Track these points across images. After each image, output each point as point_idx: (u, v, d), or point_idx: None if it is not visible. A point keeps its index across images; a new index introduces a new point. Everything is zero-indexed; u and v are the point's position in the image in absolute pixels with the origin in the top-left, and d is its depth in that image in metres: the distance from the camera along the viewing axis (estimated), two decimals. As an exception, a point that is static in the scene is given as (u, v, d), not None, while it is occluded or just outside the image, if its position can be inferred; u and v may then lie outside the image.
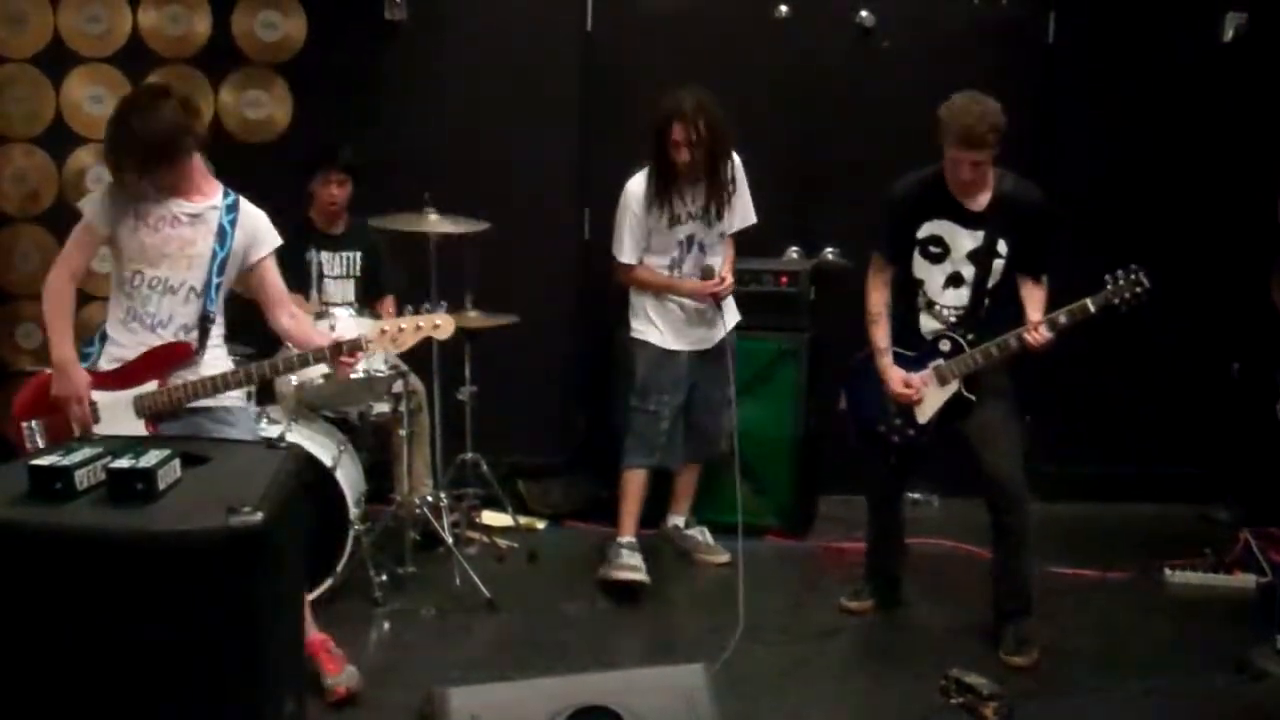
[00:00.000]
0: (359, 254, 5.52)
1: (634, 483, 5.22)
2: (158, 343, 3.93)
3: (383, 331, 4.06)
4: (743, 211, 5.21)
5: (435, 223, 5.18)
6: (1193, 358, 6.18)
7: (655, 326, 5.18)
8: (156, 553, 2.45)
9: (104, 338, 4.02)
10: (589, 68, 6.20)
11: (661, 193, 5.03)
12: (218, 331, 4.05)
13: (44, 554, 2.45)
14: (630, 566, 5.06)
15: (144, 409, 3.92)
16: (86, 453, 2.70)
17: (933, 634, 4.74)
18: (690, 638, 4.65)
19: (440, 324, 4.12)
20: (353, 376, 4.86)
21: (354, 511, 4.86)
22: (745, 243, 5.25)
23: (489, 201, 5.42)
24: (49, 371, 4.00)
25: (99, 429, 3.88)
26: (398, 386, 5.18)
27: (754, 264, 5.78)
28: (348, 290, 5.48)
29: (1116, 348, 6.02)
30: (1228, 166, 6.05)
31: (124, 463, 2.62)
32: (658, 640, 4.77)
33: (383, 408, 5.22)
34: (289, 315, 4.13)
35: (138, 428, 3.91)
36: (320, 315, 4.96)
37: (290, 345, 4.24)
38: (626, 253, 5.12)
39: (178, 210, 3.92)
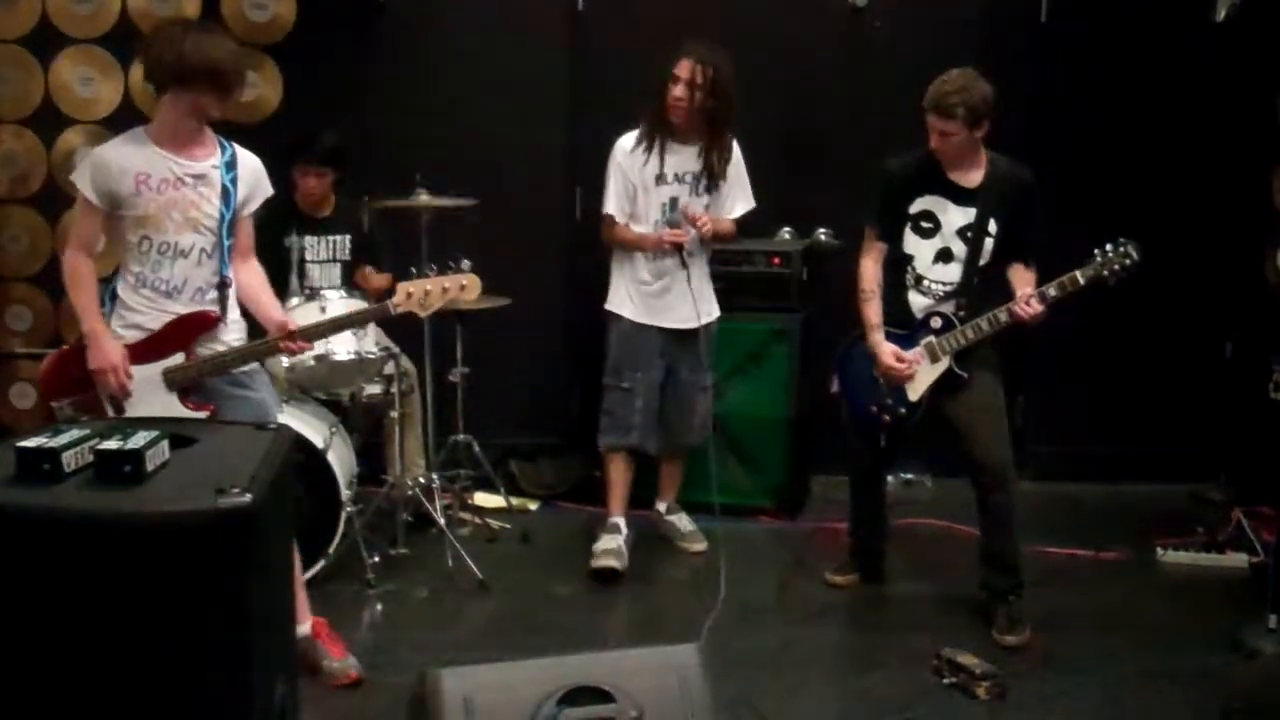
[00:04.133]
0: (347, 237, 5.48)
1: (615, 465, 5.22)
2: (176, 309, 3.85)
3: (409, 294, 3.99)
4: (744, 196, 5.15)
5: (426, 204, 5.15)
6: (1186, 338, 6.18)
7: (629, 300, 5.12)
8: (145, 534, 2.44)
9: (114, 296, 3.92)
10: (580, 47, 6.18)
11: (651, 140, 4.97)
12: (233, 294, 3.97)
13: (31, 536, 2.43)
14: (606, 552, 5.04)
15: (174, 382, 3.86)
16: (74, 434, 2.68)
17: (925, 614, 4.74)
18: (683, 618, 4.64)
19: (466, 284, 4.06)
20: (344, 358, 4.87)
21: (346, 493, 4.86)
22: (737, 223, 5.23)
23: (480, 182, 5.40)
24: (62, 349, 3.97)
25: (130, 404, 3.82)
26: (389, 368, 5.17)
27: (746, 244, 5.76)
28: (333, 275, 5.42)
29: (1110, 327, 6.02)
30: (1221, 146, 6.03)
31: (112, 444, 2.60)
32: (650, 621, 4.77)
33: (374, 389, 5.22)
34: (247, 269, 4.04)
35: (170, 401, 3.85)
36: (310, 297, 4.94)
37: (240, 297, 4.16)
38: (610, 203, 5.05)
39: (180, 171, 3.82)
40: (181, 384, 3.87)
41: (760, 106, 6.06)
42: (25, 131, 6.07)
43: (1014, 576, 4.51)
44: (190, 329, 3.88)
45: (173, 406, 3.84)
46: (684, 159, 5.02)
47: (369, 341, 4.96)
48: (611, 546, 5.07)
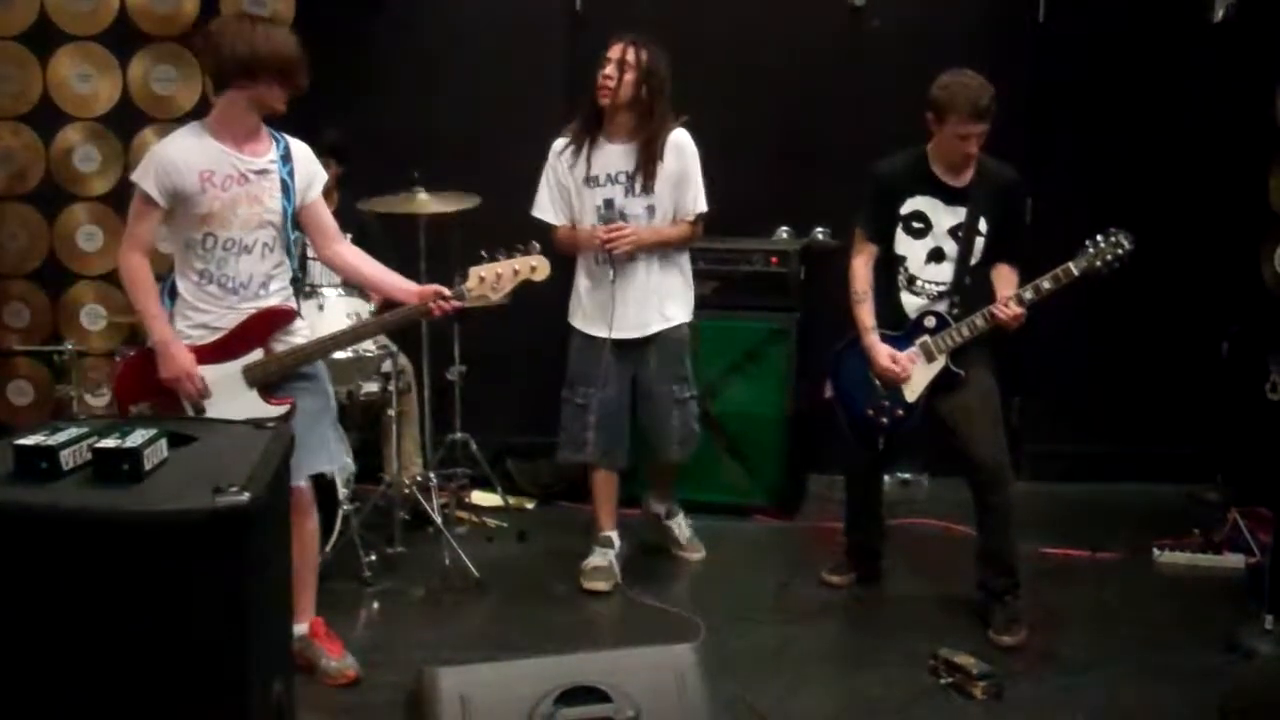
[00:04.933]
0: (347, 235, 5.46)
1: (596, 476, 5.03)
2: (240, 304, 3.83)
3: (481, 279, 3.96)
4: (694, 194, 4.85)
5: (424, 202, 5.15)
6: (1182, 338, 6.18)
7: (580, 310, 4.95)
8: (142, 533, 2.44)
9: (173, 293, 3.88)
10: (578, 47, 6.17)
11: (581, 139, 4.80)
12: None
13: (29, 534, 2.44)
14: (595, 570, 4.92)
15: (254, 379, 3.83)
16: (72, 432, 2.68)
17: (922, 614, 4.74)
18: (680, 618, 4.64)
19: (536, 265, 4.03)
20: (341, 356, 4.87)
21: (343, 491, 4.86)
22: (735, 222, 5.22)
23: (478, 181, 5.39)
24: (132, 354, 3.95)
25: (210, 405, 3.79)
26: (386, 366, 5.16)
27: (744, 244, 5.77)
28: (332, 272, 5.39)
29: (1106, 327, 6.02)
30: (1218, 146, 6.04)
31: (110, 442, 2.60)
32: (648, 620, 4.76)
33: (371, 387, 5.20)
34: (349, 249, 4.10)
35: (251, 399, 3.82)
36: (309, 294, 4.93)
37: (354, 279, 4.25)
38: (539, 207, 4.91)
39: (244, 167, 3.79)
40: (262, 380, 3.85)
41: (759, 105, 6.09)
42: (23, 128, 6.07)
43: (1011, 576, 4.51)
44: (267, 325, 3.87)
45: (254, 403, 3.82)
46: (615, 158, 4.81)
47: (365, 340, 4.95)
48: (602, 564, 4.96)
